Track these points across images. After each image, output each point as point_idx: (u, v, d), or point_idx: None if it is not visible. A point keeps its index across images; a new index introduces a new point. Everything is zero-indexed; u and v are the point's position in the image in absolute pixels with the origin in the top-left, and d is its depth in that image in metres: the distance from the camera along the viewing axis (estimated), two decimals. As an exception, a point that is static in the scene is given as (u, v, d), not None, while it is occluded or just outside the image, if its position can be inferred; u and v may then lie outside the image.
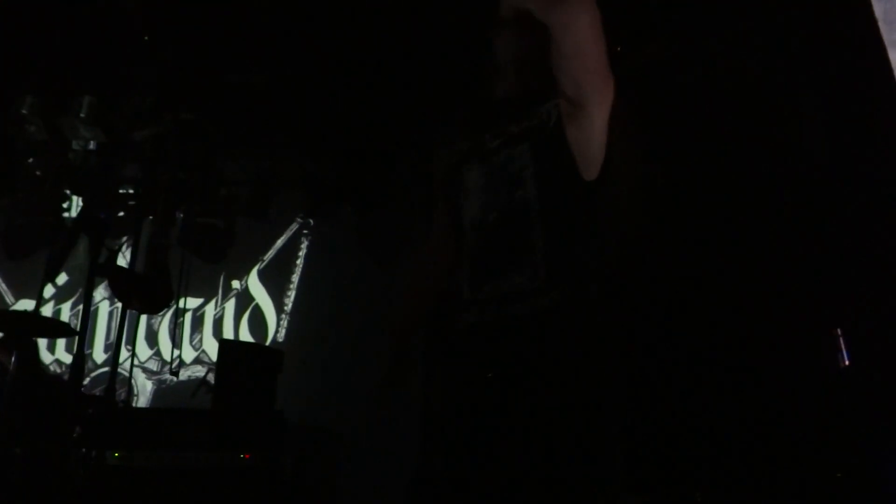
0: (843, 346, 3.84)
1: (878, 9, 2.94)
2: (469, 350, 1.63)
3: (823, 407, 3.84)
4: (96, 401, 3.37)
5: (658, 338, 4.12)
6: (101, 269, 2.19)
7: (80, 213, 2.14)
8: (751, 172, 4.25)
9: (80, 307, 5.65)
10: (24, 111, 5.31)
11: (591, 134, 1.63)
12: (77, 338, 2.30)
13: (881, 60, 2.92)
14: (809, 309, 4.00)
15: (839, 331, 3.91)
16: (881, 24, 2.94)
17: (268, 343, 5.80)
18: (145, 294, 3.02)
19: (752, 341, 4.08)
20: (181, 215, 5.44)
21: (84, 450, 3.11)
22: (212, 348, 5.78)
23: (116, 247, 3.92)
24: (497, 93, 1.80)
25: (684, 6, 4.16)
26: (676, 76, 4.36)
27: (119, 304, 5.40)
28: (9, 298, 5.86)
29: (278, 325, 5.93)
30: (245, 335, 5.89)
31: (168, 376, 5.61)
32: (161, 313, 5.44)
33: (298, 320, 5.92)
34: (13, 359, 3.44)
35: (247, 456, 3.57)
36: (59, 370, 5.57)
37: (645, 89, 4.13)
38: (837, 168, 3.84)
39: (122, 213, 5.62)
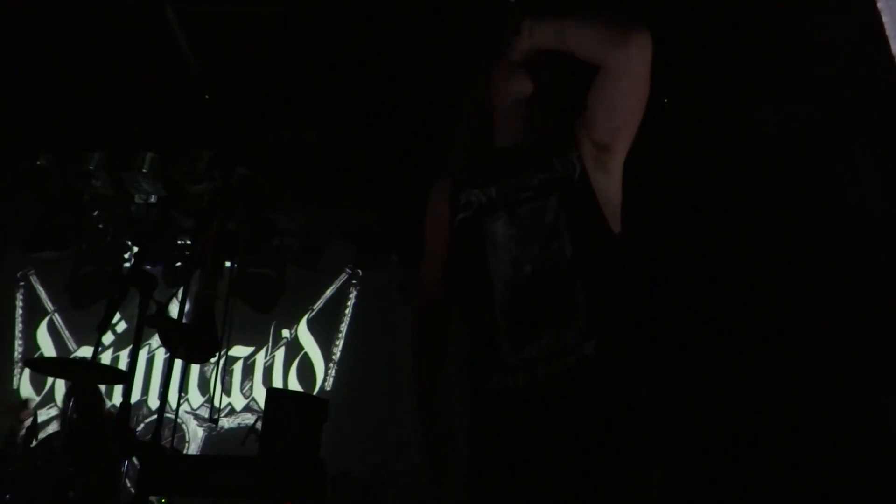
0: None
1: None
2: (519, 416, 1.51)
3: (883, 470, 3.70)
4: (145, 446, 3.47)
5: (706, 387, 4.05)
6: (150, 320, 2.29)
7: (131, 268, 2.25)
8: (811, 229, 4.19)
9: (153, 355, 5.88)
10: (90, 167, 5.63)
11: (617, 178, 1.64)
12: (125, 385, 2.40)
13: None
14: (870, 368, 3.89)
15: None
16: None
17: (315, 392, 5.88)
18: (191, 344, 3.14)
19: (802, 392, 3.98)
20: (234, 266, 5.62)
21: (133, 494, 3.20)
22: (261, 396, 5.89)
23: (167, 298, 4.07)
24: (503, 141, 1.75)
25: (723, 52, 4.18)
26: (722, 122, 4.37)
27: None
28: (71, 345, 6.10)
29: (326, 373, 6.01)
30: (294, 384, 5.98)
31: (219, 423, 5.74)
32: (212, 362, 5.59)
33: (346, 369, 5.99)
34: (70, 404, 3.59)
35: (288, 504, 3.61)
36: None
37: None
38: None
39: (179, 264, 5.85)
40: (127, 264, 6.01)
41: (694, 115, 4.61)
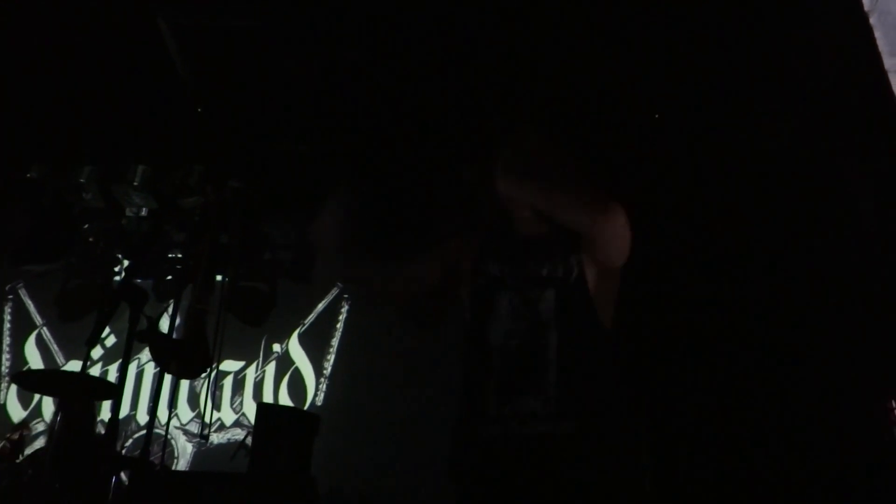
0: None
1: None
2: (492, 460, 1.81)
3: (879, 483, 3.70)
4: (133, 463, 3.43)
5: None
6: (140, 335, 2.27)
7: (121, 282, 2.23)
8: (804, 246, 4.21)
9: (142, 369, 5.82)
10: (82, 180, 5.60)
11: (613, 283, 1.94)
12: (115, 400, 2.37)
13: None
14: (864, 382, 3.89)
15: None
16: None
17: (306, 407, 5.83)
18: (182, 359, 3.10)
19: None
20: (225, 280, 5.59)
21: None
22: (251, 411, 5.83)
23: (158, 313, 4.04)
24: (517, 226, 2.00)
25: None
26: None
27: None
28: (60, 359, 6.04)
29: (317, 389, 5.96)
30: (284, 399, 5.93)
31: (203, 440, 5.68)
32: (201, 377, 5.54)
33: (337, 384, 5.95)
34: (58, 419, 3.55)
35: (279, 521, 3.57)
36: (102, 431, 5.68)
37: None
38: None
39: (169, 277, 5.80)
40: (117, 277, 5.97)
41: (685, 132, 4.64)
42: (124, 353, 2.24)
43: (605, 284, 1.94)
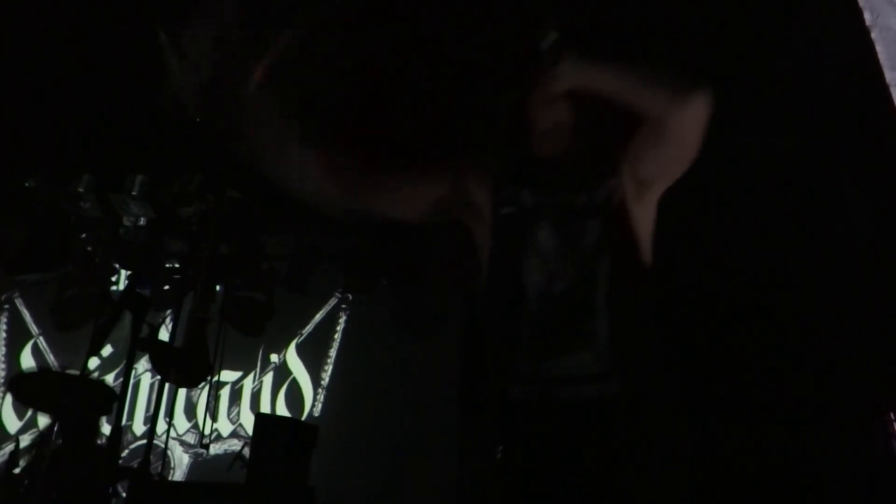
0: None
1: None
2: (524, 428, 1.54)
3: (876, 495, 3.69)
4: (132, 474, 3.40)
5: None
6: (142, 343, 2.26)
7: (124, 290, 2.22)
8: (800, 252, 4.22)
9: (140, 378, 5.80)
10: (80, 189, 5.59)
11: (651, 211, 1.69)
12: (117, 410, 2.35)
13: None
14: (864, 393, 3.90)
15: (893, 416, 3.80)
16: None
17: (304, 417, 5.81)
18: (183, 368, 3.09)
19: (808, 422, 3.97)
20: (223, 289, 5.57)
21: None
22: (248, 422, 5.81)
23: (159, 321, 4.02)
24: (543, 152, 1.76)
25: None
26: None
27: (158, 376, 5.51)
28: (56, 369, 5.99)
29: (315, 399, 5.94)
30: (282, 409, 5.90)
31: (202, 450, 5.65)
32: (199, 386, 5.51)
33: (335, 395, 5.93)
34: (54, 429, 3.52)
35: (278, 533, 3.54)
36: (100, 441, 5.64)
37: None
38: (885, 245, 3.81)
39: (167, 287, 5.78)
40: (114, 287, 5.94)
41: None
42: (127, 361, 2.23)
43: (644, 211, 1.68)
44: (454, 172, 1.84)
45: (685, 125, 1.58)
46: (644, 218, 1.68)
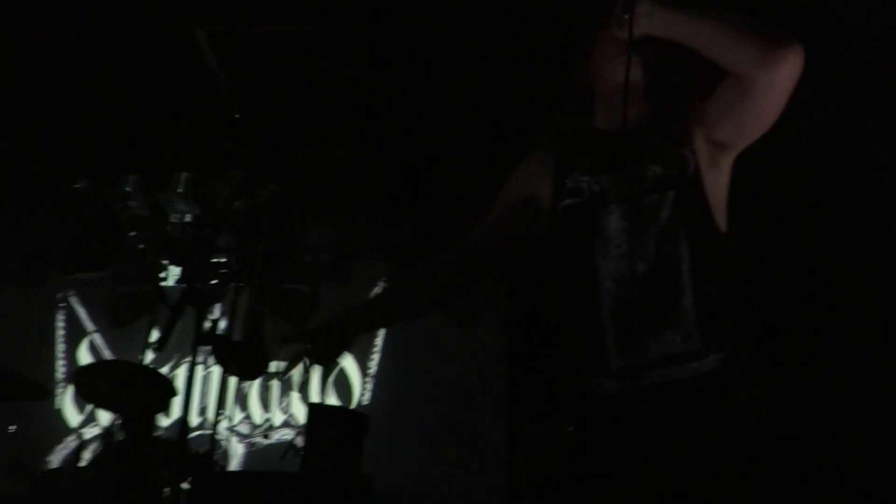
0: None
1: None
2: (622, 423, 1.44)
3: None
4: (197, 464, 3.50)
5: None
6: (204, 338, 2.32)
7: (185, 288, 2.28)
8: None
9: (176, 373, 5.94)
10: (127, 188, 5.72)
11: (726, 177, 1.59)
12: (184, 404, 2.42)
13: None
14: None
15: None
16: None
17: (353, 406, 5.89)
18: (243, 361, 3.17)
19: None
20: (270, 282, 5.67)
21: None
22: (299, 411, 5.91)
23: (217, 316, 4.12)
24: (607, 124, 1.66)
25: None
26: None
27: (211, 369, 5.64)
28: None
29: (363, 387, 6.02)
30: (331, 398, 6.00)
31: (258, 439, 5.78)
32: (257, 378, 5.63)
33: (383, 383, 6.00)
34: (120, 421, 3.63)
35: (336, 520, 3.61)
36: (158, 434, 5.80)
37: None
38: None
39: (215, 281, 5.90)
40: (163, 283, 6.09)
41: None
42: (192, 356, 2.30)
43: (720, 177, 1.57)
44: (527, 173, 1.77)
45: (775, 83, 1.43)
46: (719, 184, 1.57)
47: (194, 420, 5.92)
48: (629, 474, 1.41)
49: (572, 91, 1.73)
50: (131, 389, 3.42)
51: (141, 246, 5.94)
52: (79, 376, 3.77)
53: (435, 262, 1.89)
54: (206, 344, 2.36)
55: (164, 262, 6.03)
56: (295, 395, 6.03)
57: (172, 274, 6.25)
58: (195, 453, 3.68)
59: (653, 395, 1.42)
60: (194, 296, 2.24)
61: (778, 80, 1.43)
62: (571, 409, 1.54)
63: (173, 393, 3.66)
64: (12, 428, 3.77)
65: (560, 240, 1.62)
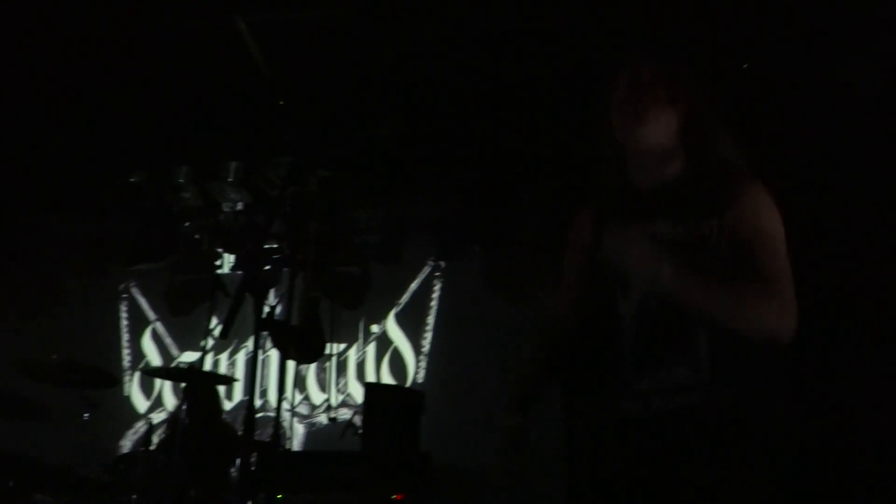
0: None
1: None
2: (629, 440, 1.66)
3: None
4: (263, 446, 3.62)
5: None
6: (264, 323, 2.39)
7: (243, 276, 2.35)
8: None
9: (236, 357, 6.11)
10: (180, 180, 5.86)
11: None
12: (245, 386, 2.50)
13: None
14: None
15: None
16: None
17: (408, 384, 5.98)
18: (301, 345, 3.25)
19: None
20: (322, 266, 5.76)
21: (252, 493, 3.34)
22: (356, 391, 6.04)
23: (275, 301, 4.20)
24: (639, 181, 1.79)
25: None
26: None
27: (268, 352, 5.78)
28: (174, 351, 6.38)
29: (417, 366, 6.10)
30: (386, 377, 6.10)
31: (318, 419, 5.93)
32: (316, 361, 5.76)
33: (436, 361, 6.07)
34: (184, 407, 3.77)
35: (399, 497, 3.70)
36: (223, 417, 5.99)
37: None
38: None
39: (268, 267, 6.03)
40: (219, 271, 6.24)
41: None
42: (254, 342, 2.37)
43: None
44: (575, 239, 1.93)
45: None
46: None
47: (255, 403, 6.09)
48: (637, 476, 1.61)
49: (606, 148, 1.85)
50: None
51: (196, 235, 6.10)
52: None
53: (543, 355, 2.03)
54: (265, 329, 2.41)
55: (219, 250, 6.18)
56: (351, 376, 6.15)
57: (227, 261, 6.42)
58: (259, 434, 3.79)
59: (663, 419, 1.60)
60: (253, 283, 2.30)
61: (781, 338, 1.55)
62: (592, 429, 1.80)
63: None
64: (87, 416, 3.92)
65: (595, 285, 1.79)
